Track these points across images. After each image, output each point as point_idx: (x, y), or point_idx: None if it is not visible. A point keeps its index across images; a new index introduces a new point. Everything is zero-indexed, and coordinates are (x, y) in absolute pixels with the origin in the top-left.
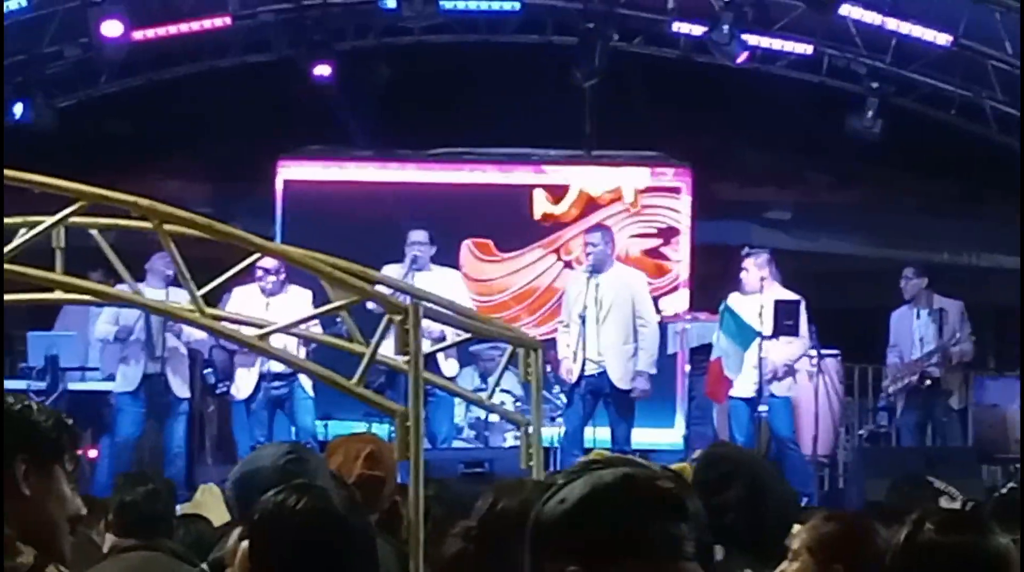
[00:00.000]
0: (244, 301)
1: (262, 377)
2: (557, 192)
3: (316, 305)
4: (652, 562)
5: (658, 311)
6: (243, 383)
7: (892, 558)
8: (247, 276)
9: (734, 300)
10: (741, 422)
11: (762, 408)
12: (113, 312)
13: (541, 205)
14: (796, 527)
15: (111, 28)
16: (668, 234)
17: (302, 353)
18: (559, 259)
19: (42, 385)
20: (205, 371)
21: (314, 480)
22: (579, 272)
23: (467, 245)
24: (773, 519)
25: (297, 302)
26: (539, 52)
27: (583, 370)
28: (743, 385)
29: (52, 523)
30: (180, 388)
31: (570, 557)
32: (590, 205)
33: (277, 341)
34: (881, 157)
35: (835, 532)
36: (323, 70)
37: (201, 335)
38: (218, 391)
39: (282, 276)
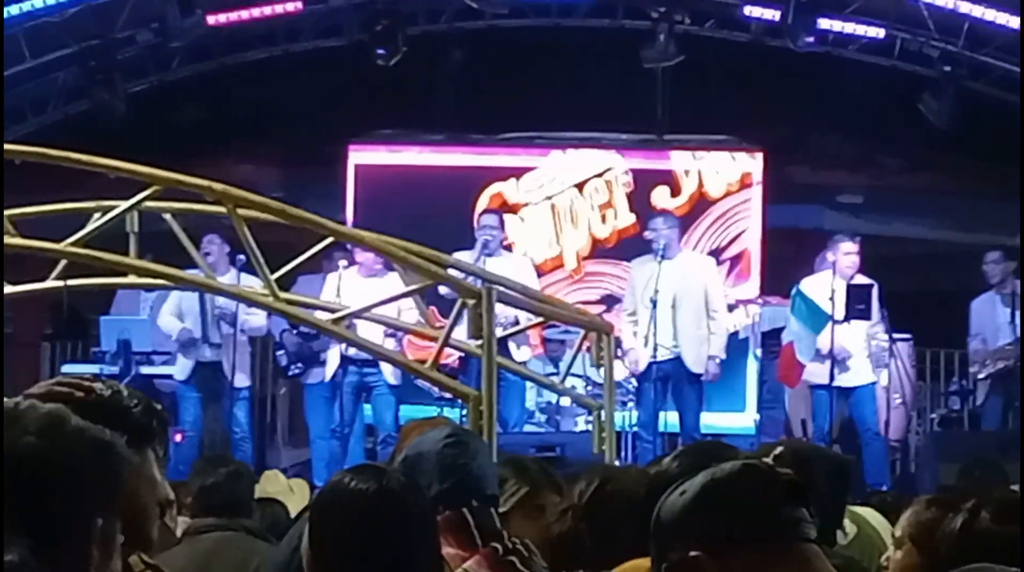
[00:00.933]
0: (339, 285)
1: (345, 361)
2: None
3: None
4: (776, 546)
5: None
6: (322, 367)
7: (949, 547)
8: (321, 265)
9: (806, 284)
10: (822, 409)
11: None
12: (176, 302)
13: (662, 199)
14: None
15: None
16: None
17: (389, 343)
18: None
19: (115, 369)
20: (277, 353)
21: (473, 461)
22: (646, 259)
23: None
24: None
25: (396, 288)
26: (610, 36)
27: (655, 355)
28: (821, 371)
29: (143, 508)
30: (240, 375)
31: (694, 544)
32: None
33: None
34: (953, 141)
35: (937, 518)
36: (394, 55)
37: (258, 322)
38: (290, 373)
39: (370, 257)
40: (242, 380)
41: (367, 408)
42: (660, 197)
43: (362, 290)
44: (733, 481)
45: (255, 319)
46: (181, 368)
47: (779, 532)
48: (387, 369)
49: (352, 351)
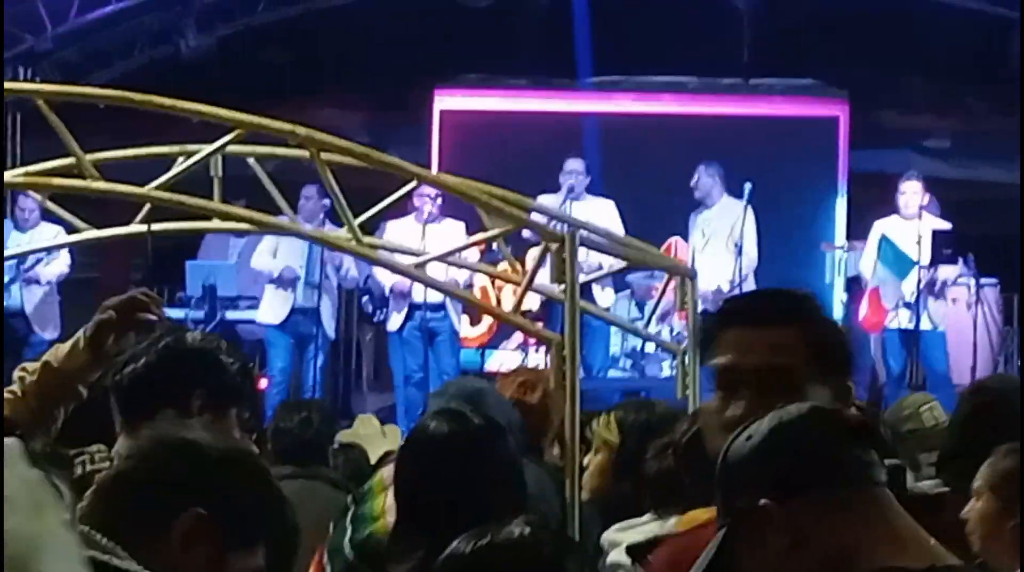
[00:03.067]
0: (399, 233)
1: (415, 307)
2: None
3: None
4: (843, 490)
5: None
6: (397, 313)
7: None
8: (400, 209)
9: (889, 229)
10: (896, 353)
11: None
12: (272, 244)
13: None
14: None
15: None
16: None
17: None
18: None
19: (200, 314)
20: (363, 299)
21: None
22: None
23: None
24: None
25: (452, 234)
26: None
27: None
28: (905, 316)
29: None
30: (328, 322)
31: (761, 491)
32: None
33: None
34: None
35: (1016, 467)
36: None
37: (355, 273)
38: (376, 320)
39: (439, 202)
40: (330, 326)
41: None
42: None
43: (418, 236)
44: (799, 425)
45: (355, 270)
46: (273, 313)
47: (847, 476)
48: (453, 314)
49: (422, 296)
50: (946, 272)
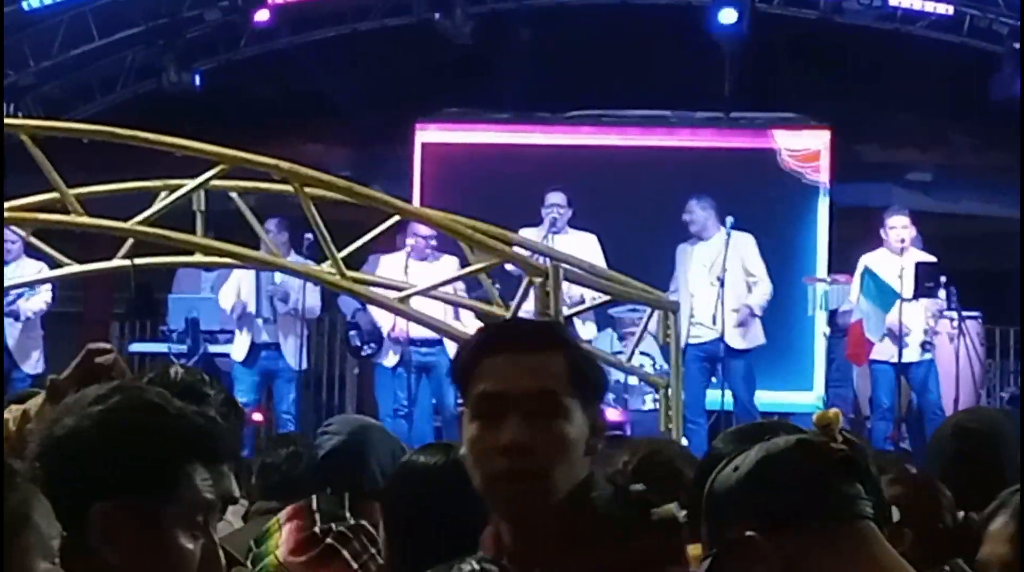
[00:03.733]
0: (390, 268)
1: (408, 342)
2: None
3: None
4: (829, 522)
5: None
6: (393, 353)
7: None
8: (394, 242)
9: (874, 262)
10: (886, 386)
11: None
12: (236, 280)
13: None
14: None
15: None
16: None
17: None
18: None
19: (183, 348)
20: (350, 333)
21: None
22: (690, 241)
23: None
24: None
25: (448, 270)
26: (678, 13)
27: (688, 335)
28: (885, 348)
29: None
30: (292, 356)
31: (748, 523)
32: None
33: (427, 308)
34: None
35: (901, 495)
36: (464, 33)
37: (313, 302)
38: (363, 353)
39: (434, 242)
40: (296, 360)
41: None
42: None
43: (412, 273)
44: (786, 457)
45: (311, 299)
46: (239, 347)
47: (834, 509)
48: (451, 349)
49: (415, 331)
50: (930, 305)
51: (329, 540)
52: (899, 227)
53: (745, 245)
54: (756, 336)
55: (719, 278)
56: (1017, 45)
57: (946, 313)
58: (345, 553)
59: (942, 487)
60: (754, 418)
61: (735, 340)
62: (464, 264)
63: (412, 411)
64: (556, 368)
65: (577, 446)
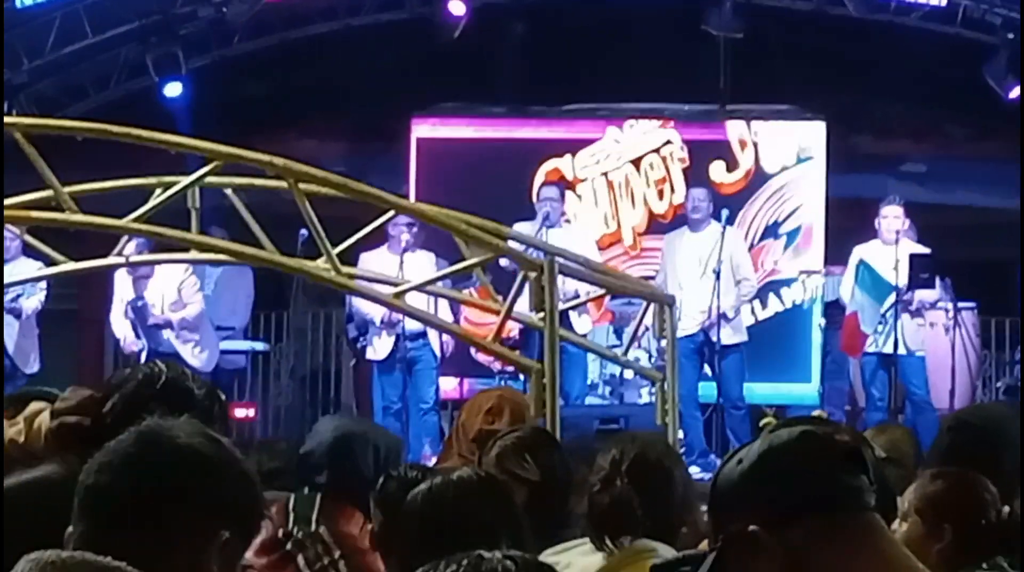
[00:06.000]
0: (372, 263)
1: (399, 337)
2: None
3: (441, 267)
4: (835, 516)
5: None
6: (380, 344)
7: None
8: (373, 239)
9: (867, 253)
10: (876, 378)
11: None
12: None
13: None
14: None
15: None
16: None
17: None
18: None
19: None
20: (347, 325)
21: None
22: (679, 232)
23: None
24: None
25: (423, 264)
26: (672, 5)
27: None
28: (876, 340)
29: None
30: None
31: (751, 517)
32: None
33: (410, 300)
34: (1019, 108)
35: (942, 491)
36: (458, 27)
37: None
38: (359, 345)
39: (415, 231)
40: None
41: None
42: (717, 172)
43: (393, 266)
44: (790, 449)
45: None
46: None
47: (838, 501)
48: (434, 343)
49: (405, 326)
50: (924, 296)
51: (288, 546)
52: (892, 218)
53: (736, 241)
54: (743, 332)
55: (715, 271)
56: (1011, 35)
57: (940, 304)
58: (300, 560)
59: (985, 482)
60: (741, 412)
61: (726, 334)
62: (445, 257)
63: (404, 407)
64: None
65: None
